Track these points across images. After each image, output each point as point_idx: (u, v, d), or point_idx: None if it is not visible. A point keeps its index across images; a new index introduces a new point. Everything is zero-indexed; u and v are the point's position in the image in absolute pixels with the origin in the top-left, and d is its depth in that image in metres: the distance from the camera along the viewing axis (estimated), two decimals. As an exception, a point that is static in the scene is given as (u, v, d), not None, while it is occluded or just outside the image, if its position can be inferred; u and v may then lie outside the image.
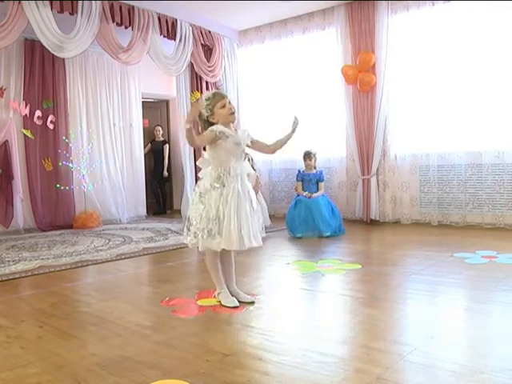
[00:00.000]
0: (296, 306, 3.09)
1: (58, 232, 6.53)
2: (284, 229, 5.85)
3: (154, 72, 7.23)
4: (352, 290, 3.30)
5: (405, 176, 6.40)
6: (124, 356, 2.18)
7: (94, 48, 6.40)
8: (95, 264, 4.38)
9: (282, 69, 7.42)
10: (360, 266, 3.90)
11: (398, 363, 2.00)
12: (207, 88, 7.32)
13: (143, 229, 6.61)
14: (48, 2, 5.02)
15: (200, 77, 7.11)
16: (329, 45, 6.90)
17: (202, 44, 6.97)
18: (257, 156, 5.95)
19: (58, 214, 6.96)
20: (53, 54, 5.51)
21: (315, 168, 5.92)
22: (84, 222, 6.88)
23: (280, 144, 3.15)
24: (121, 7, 5.78)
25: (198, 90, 7.14)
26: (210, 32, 7.13)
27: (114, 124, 7.71)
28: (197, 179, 6.20)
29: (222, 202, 2.81)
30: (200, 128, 3.01)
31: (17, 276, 3.90)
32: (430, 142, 6.13)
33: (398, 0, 6.23)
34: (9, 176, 6.36)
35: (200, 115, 2.92)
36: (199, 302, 3.02)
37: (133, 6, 5.92)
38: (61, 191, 6.94)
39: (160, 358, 2.15)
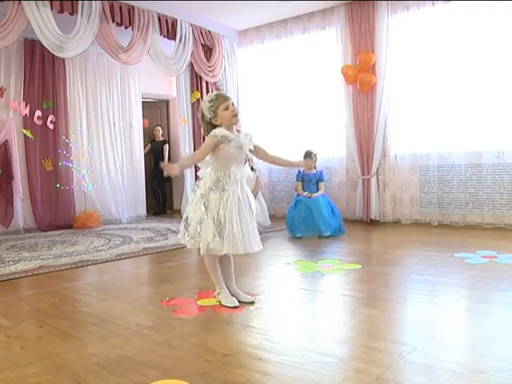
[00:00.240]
0: (296, 306, 3.09)
1: (58, 232, 6.53)
2: (284, 229, 5.85)
3: (154, 72, 7.23)
4: (352, 290, 3.30)
5: (405, 176, 6.40)
6: (124, 356, 2.18)
7: (94, 48, 6.41)
8: (95, 264, 4.38)
9: (282, 69, 7.42)
10: (360, 266, 3.90)
11: (397, 363, 2.00)
12: (207, 88, 7.33)
13: (143, 229, 6.61)
14: (48, 2, 5.02)
15: (200, 77, 7.11)
16: (329, 45, 6.90)
17: (201, 44, 6.97)
18: (257, 156, 5.94)
19: (58, 213, 6.96)
20: (53, 54, 5.51)
21: (315, 168, 5.93)
22: (84, 222, 6.88)
23: (279, 162, 3.27)
24: (121, 7, 5.79)
25: (197, 89, 7.15)
26: (210, 32, 7.14)
27: (114, 124, 7.71)
28: (197, 179, 6.21)
29: (223, 206, 2.80)
30: (203, 130, 2.99)
31: (17, 276, 3.90)
32: (429, 141, 6.13)
33: (398, 0, 6.24)
34: (9, 176, 6.36)
35: (203, 117, 2.90)
36: (199, 302, 3.02)
37: (133, 6, 5.92)
38: (61, 191, 6.94)
39: (160, 357, 2.15)
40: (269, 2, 6.46)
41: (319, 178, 5.86)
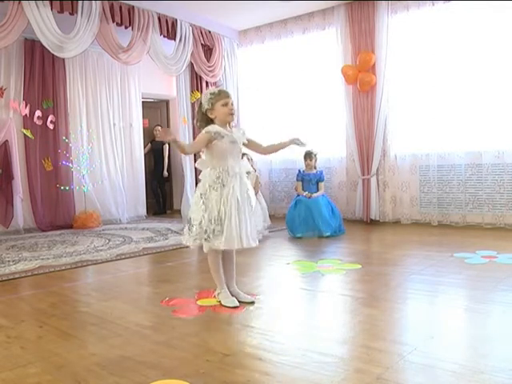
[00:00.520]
0: (296, 306, 3.09)
1: (58, 232, 6.53)
2: (284, 229, 5.85)
3: (154, 72, 7.23)
4: (352, 289, 3.30)
5: (405, 176, 6.40)
6: (124, 356, 2.18)
7: (94, 48, 6.40)
8: (95, 264, 4.38)
9: (281, 69, 7.42)
10: (360, 266, 3.90)
11: (398, 363, 2.00)
12: (207, 88, 7.31)
13: (143, 229, 6.61)
14: (48, 2, 5.02)
15: (200, 77, 7.11)
16: (329, 45, 6.90)
17: (202, 44, 6.97)
18: (256, 156, 5.93)
19: (58, 213, 6.96)
20: (53, 54, 5.51)
21: (315, 168, 5.93)
22: (84, 222, 6.88)
23: (272, 149, 3.25)
24: (121, 7, 5.79)
25: (198, 89, 7.14)
26: (210, 32, 7.13)
27: (114, 124, 7.71)
28: (197, 178, 6.21)
29: (223, 202, 2.82)
30: (196, 120, 3.04)
31: (17, 276, 3.90)
32: (429, 141, 6.13)
33: (398, 0, 6.24)
34: (9, 176, 6.36)
35: (200, 106, 2.96)
36: (199, 302, 3.02)
37: (133, 6, 5.92)
38: (61, 191, 6.94)
39: (160, 357, 2.15)
40: (269, 2, 6.46)
41: (319, 178, 5.86)
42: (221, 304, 2.92)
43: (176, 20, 6.51)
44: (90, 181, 7.24)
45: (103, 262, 4.43)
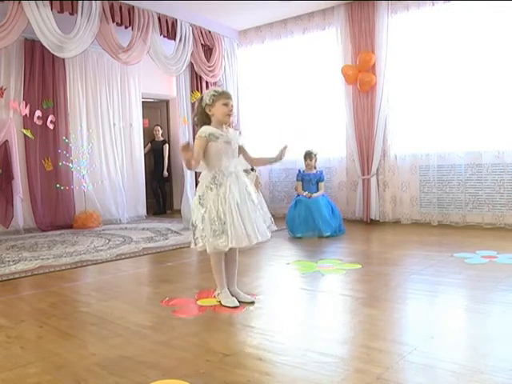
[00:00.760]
0: (296, 306, 3.09)
1: (58, 232, 6.53)
2: (284, 229, 5.84)
3: (154, 72, 7.23)
4: (352, 289, 3.30)
5: (405, 176, 6.40)
6: (124, 356, 2.18)
7: (94, 48, 6.40)
8: (95, 264, 4.38)
9: (281, 69, 7.42)
10: (360, 266, 3.90)
11: (398, 363, 2.00)
12: (207, 88, 7.31)
13: (143, 229, 6.61)
14: (48, 2, 5.01)
15: (200, 77, 7.10)
16: (329, 45, 6.90)
17: (202, 44, 6.96)
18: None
19: (58, 213, 6.96)
20: (53, 54, 5.50)
21: (315, 168, 5.93)
22: (84, 222, 6.88)
23: (260, 162, 3.30)
24: (121, 7, 5.78)
25: (198, 90, 7.14)
26: (210, 32, 7.13)
27: (114, 124, 7.71)
28: (197, 179, 6.19)
29: (221, 202, 2.83)
30: (193, 114, 3.08)
31: (17, 276, 3.90)
32: (429, 141, 6.13)
33: (398, 0, 6.24)
34: (9, 176, 6.36)
35: (201, 101, 2.98)
36: (199, 302, 3.02)
37: (133, 6, 5.92)
38: (61, 191, 6.94)
39: (160, 357, 2.15)
40: (269, 2, 6.46)
41: (319, 178, 5.86)
42: (221, 304, 2.92)
43: (176, 20, 6.50)
44: (89, 181, 7.24)
45: (103, 262, 4.43)
